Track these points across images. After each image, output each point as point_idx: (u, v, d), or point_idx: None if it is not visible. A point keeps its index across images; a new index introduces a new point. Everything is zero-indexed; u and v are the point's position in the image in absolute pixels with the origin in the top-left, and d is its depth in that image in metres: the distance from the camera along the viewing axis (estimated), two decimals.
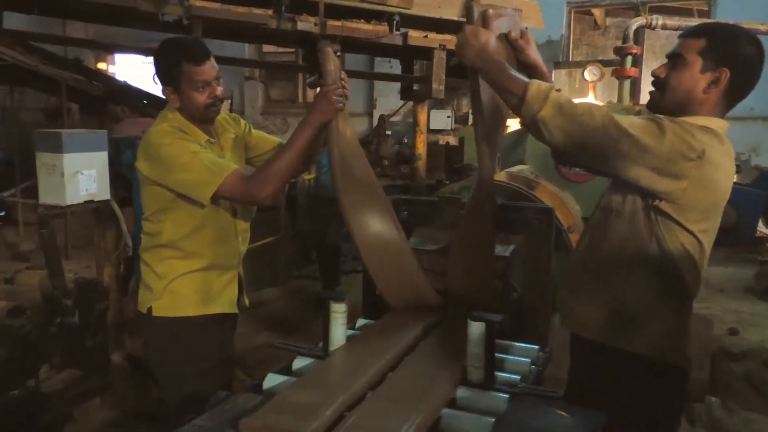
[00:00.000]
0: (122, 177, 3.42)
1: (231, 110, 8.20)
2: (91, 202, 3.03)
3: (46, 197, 2.93)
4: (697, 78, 1.54)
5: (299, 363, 1.59)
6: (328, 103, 1.83)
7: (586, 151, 1.50)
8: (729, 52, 1.53)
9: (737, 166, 6.69)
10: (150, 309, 2.01)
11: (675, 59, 1.58)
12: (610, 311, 1.66)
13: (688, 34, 1.59)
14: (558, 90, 1.50)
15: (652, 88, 1.64)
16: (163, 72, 1.94)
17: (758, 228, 5.86)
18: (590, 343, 1.71)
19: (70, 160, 2.88)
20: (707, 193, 1.50)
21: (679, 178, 1.46)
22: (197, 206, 1.91)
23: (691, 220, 1.52)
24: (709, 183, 1.49)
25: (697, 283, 1.62)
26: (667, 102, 1.60)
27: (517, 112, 1.53)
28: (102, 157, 3.06)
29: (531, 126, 1.51)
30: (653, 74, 1.63)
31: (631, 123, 1.47)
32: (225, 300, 2.08)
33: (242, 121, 2.17)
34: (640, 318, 1.62)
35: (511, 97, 1.52)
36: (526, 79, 1.52)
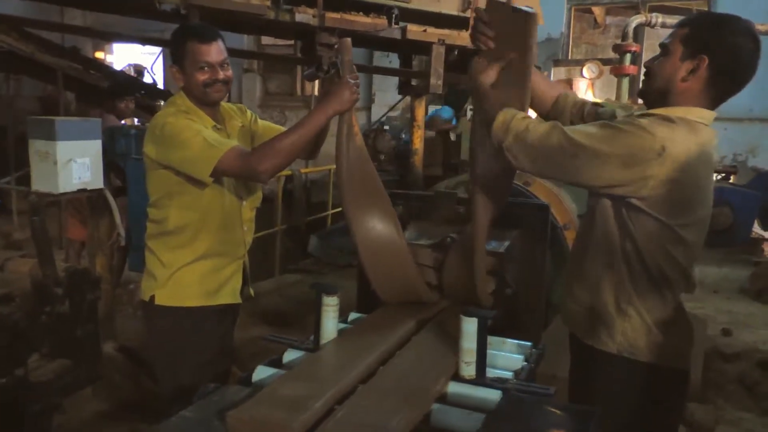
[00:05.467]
0: (116, 166, 3.40)
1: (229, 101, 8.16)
2: (84, 190, 3.01)
3: (38, 185, 2.91)
4: (676, 66, 1.53)
5: (290, 356, 1.58)
6: (350, 92, 1.81)
7: (550, 169, 1.57)
8: (710, 39, 1.49)
9: (733, 166, 6.71)
10: (153, 297, 1.99)
11: (662, 48, 1.59)
12: (587, 310, 1.67)
13: (678, 24, 1.59)
14: (523, 117, 1.56)
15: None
16: (172, 51, 1.98)
17: (753, 229, 5.88)
18: (583, 342, 1.71)
19: (63, 148, 2.87)
20: (677, 188, 1.47)
21: (642, 178, 1.45)
22: (201, 188, 1.90)
23: (667, 215, 1.51)
24: (676, 178, 1.46)
25: (683, 279, 1.60)
26: (651, 90, 1.59)
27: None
28: (96, 146, 3.04)
29: (501, 153, 1.58)
30: (644, 65, 1.66)
31: (588, 134, 1.49)
32: (229, 290, 2.07)
33: (248, 111, 2.18)
34: (609, 317, 1.62)
35: (488, 127, 1.61)
36: (501, 111, 1.59)
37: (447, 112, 7.28)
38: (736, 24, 1.51)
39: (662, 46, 1.59)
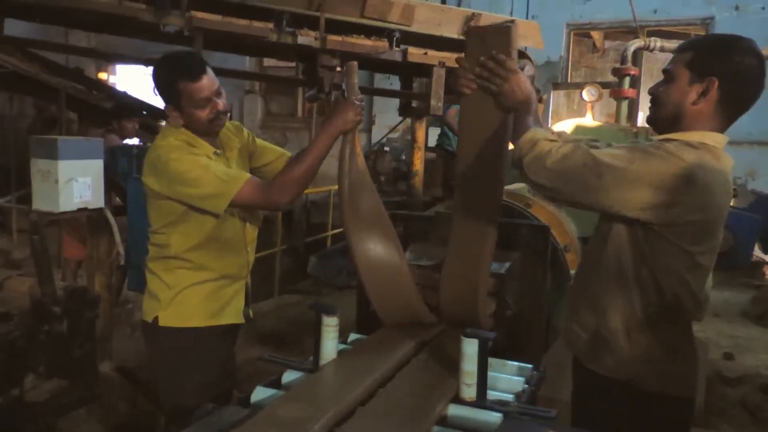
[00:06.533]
0: (117, 185, 3.41)
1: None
2: (84, 209, 3.01)
3: (39, 204, 2.91)
4: (685, 91, 1.52)
5: (289, 376, 1.56)
6: (354, 112, 1.85)
7: (570, 188, 1.50)
8: (716, 61, 1.50)
9: (734, 189, 6.73)
10: (156, 318, 1.97)
11: (665, 75, 1.58)
12: (592, 334, 1.64)
13: (679, 49, 1.59)
14: (551, 139, 1.54)
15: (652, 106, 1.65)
16: (162, 91, 1.92)
17: (754, 252, 5.87)
18: (586, 366, 1.68)
19: (65, 167, 2.87)
20: (702, 215, 1.46)
21: (671, 204, 1.43)
22: (208, 218, 1.89)
23: (689, 242, 1.49)
24: (702, 205, 1.45)
25: (695, 305, 1.58)
26: (661, 117, 1.59)
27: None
28: (97, 165, 3.05)
29: (520, 170, 1.57)
30: (649, 92, 1.64)
31: (615, 155, 1.47)
32: (232, 310, 2.06)
33: (245, 130, 2.15)
34: (616, 343, 1.58)
35: (514, 138, 1.63)
36: (531, 126, 1.60)
37: None
38: (739, 43, 1.51)
39: (666, 72, 1.58)
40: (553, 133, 1.58)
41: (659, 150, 1.46)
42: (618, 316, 1.58)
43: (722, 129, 1.55)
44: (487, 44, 1.70)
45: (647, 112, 1.68)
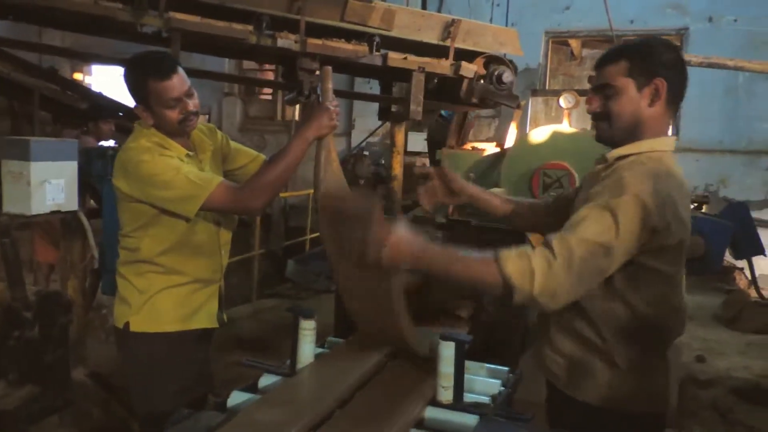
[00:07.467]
0: (92, 187, 3.36)
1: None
2: (57, 212, 2.95)
3: (10, 206, 2.84)
4: (636, 98, 1.51)
5: (266, 381, 1.55)
6: (329, 118, 1.83)
7: (589, 281, 1.43)
8: (655, 62, 1.50)
9: (706, 196, 6.88)
10: (127, 324, 1.94)
11: (605, 90, 1.54)
12: (569, 360, 1.61)
13: (606, 62, 1.55)
14: (528, 252, 1.39)
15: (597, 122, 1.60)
16: (132, 91, 1.89)
17: (725, 258, 6.00)
18: (560, 392, 1.65)
19: (37, 169, 2.82)
20: (671, 232, 1.45)
21: (652, 233, 1.42)
22: (180, 221, 1.87)
23: (669, 262, 1.49)
24: (669, 221, 1.44)
25: (679, 322, 1.58)
26: (617, 131, 1.55)
27: (507, 299, 1.41)
28: (71, 167, 2.99)
29: (531, 304, 1.42)
30: (589, 111, 1.60)
31: (598, 231, 1.39)
32: (205, 314, 2.04)
33: (218, 132, 2.13)
34: (596, 369, 1.56)
35: (491, 288, 1.41)
36: (491, 259, 1.39)
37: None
38: (661, 41, 1.55)
39: (604, 87, 1.54)
40: (514, 249, 1.41)
41: (618, 198, 1.41)
42: (599, 342, 1.54)
43: (668, 128, 1.57)
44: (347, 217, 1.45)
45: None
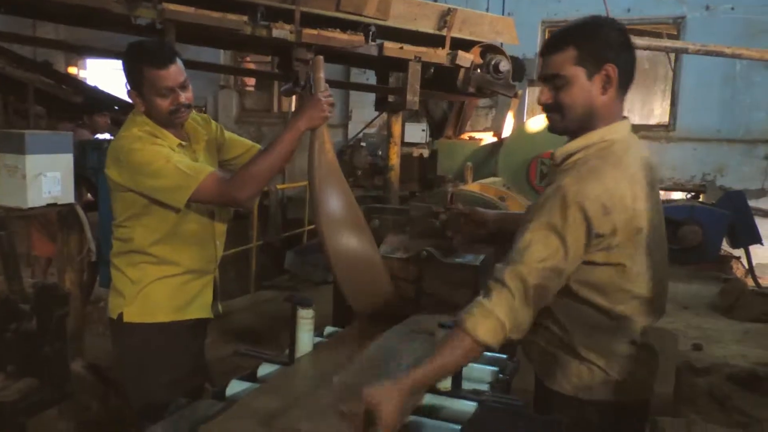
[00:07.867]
0: (87, 180, 3.35)
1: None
2: (54, 205, 2.95)
3: (5, 199, 2.84)
4: (588, 87, 1.44)
5: (264, 370, 1.56)
6: (320, 109, 1.82)
7: (546, 299, 1.43)
8: (604, 46, 1.43)
9: (703, 185, 6.89)
10: (121, 315, 1.94)
11: (554, 80, 1.47)
12: (542, 351, 1.60)
13: (552, 49, 1.47)
14: (487, 305, 1.38)
15: (548, 114, 1.54)
16: (128, 75, 1.90)
17: (722, 247, 6.03)
18: (540, 381, 1.64)
19: (32, 162, 2.81)
20: (632, 225, 1.42)
21: (611, 234, 1.40)
22: (171, 211, 1.86)
23: (620, 256, 1.44)
24: (630, 217, 1.41)
25: (649, 311, 1.53)
26: (570, 122, 1.49)
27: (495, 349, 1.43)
28: (67, 159, 2.98)
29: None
30: (540, 102, 1.54)
31: (545, 257, 1.38)
32: (199, 305, 2.03)
33: (213, 122, 2.12)
34: (565, 359, 1.54)
35: (479, 354, 1.41)
36: (461, 334, 1.36)
37: None
38: (605, 21, 1.48)
39: (553, 77, 1.47)
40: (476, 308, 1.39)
41: (565, 218, 1.37)
42: (563, 333, 1.53)
43: (621, 112, 1.51)
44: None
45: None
